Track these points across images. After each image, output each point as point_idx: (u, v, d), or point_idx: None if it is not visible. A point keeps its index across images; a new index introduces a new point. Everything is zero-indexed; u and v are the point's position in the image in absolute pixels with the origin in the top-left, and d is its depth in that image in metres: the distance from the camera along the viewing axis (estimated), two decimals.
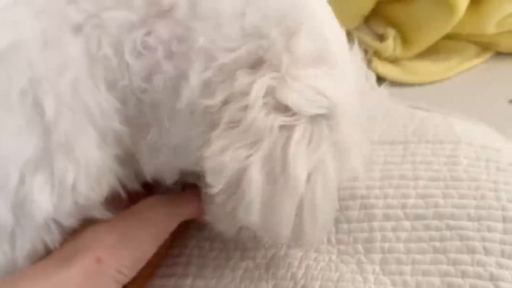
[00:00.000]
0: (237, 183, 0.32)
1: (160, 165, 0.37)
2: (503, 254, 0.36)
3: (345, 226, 0.41)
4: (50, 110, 0.32)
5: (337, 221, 0.42)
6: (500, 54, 0.72)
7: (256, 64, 0.33)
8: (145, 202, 0.38)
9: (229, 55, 0.32)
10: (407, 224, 0.40)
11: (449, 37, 0.71)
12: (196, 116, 0.34)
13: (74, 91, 0.32)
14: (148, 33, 0.33)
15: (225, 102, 0.33)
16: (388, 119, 0.52)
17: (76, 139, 0.33)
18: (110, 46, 0.33)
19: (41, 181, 0.33)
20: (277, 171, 0.31)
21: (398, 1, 0.71)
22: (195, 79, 0.33)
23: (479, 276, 0.35)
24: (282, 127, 0.31)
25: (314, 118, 0.32)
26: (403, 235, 0.39)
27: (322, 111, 0.32)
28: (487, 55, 0.71)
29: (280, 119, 0.31)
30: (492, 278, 0.35)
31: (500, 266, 0.35)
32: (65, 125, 0.32)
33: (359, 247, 0.40)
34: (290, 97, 0.32)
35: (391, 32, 0.71)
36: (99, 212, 0.37)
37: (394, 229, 0.40)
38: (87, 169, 0.34)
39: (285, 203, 0.32)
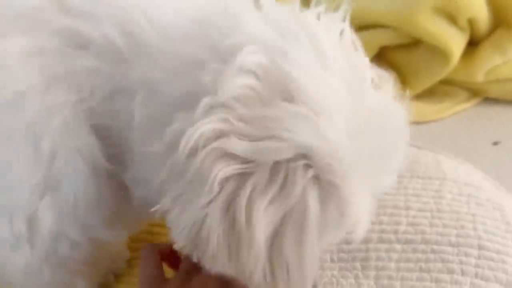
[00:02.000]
0: (197, 234, 0.29)
1: (144, 198, 0.37)
2: (476, 275, 0.43)
3: (345, 246, 0.49)
4: (46, 148, 0.36)
5: (339, 243, 0.49)
6: (487, 100, 0.78)
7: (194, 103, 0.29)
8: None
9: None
10: (398, 247, 0.46)
11: (443, 82, 0.79)
12: (153, 161, 0.33)
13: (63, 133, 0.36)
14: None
15: (170, 147, 0.30)
16: None
17: (72, 173, 0.37)
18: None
19: (47, 201, 0.37)
20: (237, 220, 0.28)
21: (399, 48, 0.79)
22: (138, 117, 0.33)
23: None
24: (238, 174, 0.28)
25: (279, 164, 0.29)
26: (395, 256, 0.46)
27: (288, 155, 0.28)
28: (476, 100, 0.78)
29: (231, 168, 0.28)
30: None
31: (473, 285, 0.42)
32: (60, 161, 0.36)
33: (357, 264, 0.46)
34: (240, 146, 0.28)
35: (391, 75, 0.77)
36: (102, 233, 0.41)
37: (387, 251, 0.46)
38: (86, 196, 0.37)
39: (249, 256, 0.29)
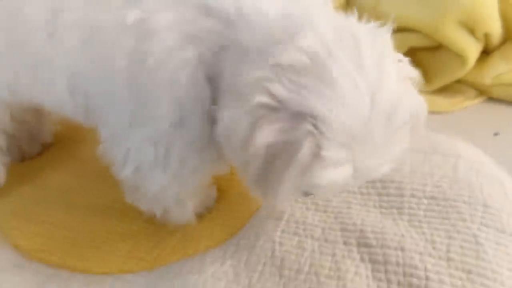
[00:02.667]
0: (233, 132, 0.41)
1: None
2: (481, 223, 0.57)
3: (385, 198, 0.63)
4: (181, 94, 0.46)
5: (380, 195, 0.64)
6: (491, 98, 0.90)
7: None
8: None
9: None
10: (425, 201, 0.61)
11: (457, 81, 0.90)
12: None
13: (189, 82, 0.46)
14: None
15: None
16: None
17: (194, 116, 0.47)
18: None
19: (179, 135, 0.48)
20: (256, 128, 0.39)
21: (425, 49, 0.89)
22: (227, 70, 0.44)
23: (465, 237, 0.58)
24: (270, 105, 0.39)
25: (299, 114, 0.38)
26: (422, 207, 0.60)
27: (306, 111, 0.38)
28: (483, 98, 0.90)
29: (267, 99, 0.39)
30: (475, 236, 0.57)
31: (479, 230, 0.57)
32: (188, 105, 0.46)
33: (394, 211, 0.61)
34: (280, 91, 0.38)
35: (418, 72, 0.88)
36: (208, 166, 0.53)
37: (416, 203, 0.61)
38: (201, 134, 0.48)
39: (252, 152, 0.40)
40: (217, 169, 0.57)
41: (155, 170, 0.52)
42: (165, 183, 0.54)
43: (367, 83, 0.39)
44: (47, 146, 0.77)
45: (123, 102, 0.50)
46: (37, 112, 0.72)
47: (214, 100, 0.47)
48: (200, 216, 0.63)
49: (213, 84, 0.46)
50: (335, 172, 0.40)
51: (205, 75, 0.46)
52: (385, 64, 0.42)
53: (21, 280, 0.55)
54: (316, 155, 0.39)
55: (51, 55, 0.51)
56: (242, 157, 0.42)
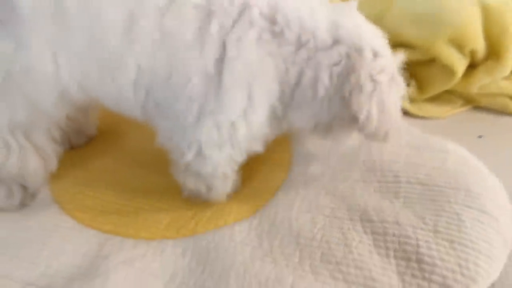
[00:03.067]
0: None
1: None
2: (464, 204, 0.68)
3: (383, 184, 0.75)
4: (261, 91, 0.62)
5: (380, 182, 0.76)
6: (477, 106, 0.99)
7: None
8: None
9: None
10: (418, 187, 0.72)
11: (447, 91, 0.98)
12: None
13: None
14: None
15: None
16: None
17: (261, 107, 0.63)
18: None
19: (244, 118, 0.63)
20: None
21: (420, 63, 0.98)
22: None
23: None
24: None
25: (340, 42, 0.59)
26: (416, 191, 0.71)
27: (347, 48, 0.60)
28: (469, 106, 0.99)
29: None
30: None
31: (462, 210, 0.69)
32: (259, 94, 0.62)
33: (391, 195, 0.72)
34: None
35: (412, 83, 0.99)
36: (260, 145, 0.68)
37: (411, 188, 0.72)
38: (265, 120, 0.64)
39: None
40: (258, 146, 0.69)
41: (213, 151, 0.64)
42: (221, 162, 0.65)
43: None
44: (92, 138, 0.88)
45: (194, 97, 0.60)
46: (85, 109, 0.84)
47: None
48: (228, 196, 0.75)
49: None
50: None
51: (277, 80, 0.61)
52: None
53: (83, 241, 0.66)
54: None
55: (122, 54, 0.59)
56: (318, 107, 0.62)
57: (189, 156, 0.64)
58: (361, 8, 1.01)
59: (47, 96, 0.63)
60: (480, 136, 0.92)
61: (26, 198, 0.72)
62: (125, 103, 0.65)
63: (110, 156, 0.84)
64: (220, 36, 0.59)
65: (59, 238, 0.67)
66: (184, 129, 0.63)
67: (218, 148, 0.64)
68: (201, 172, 0.67)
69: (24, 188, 0.71)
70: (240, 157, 0.67)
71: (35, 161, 0.68)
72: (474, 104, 1.00)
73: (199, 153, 0.64)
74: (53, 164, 0.72)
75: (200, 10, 0.59)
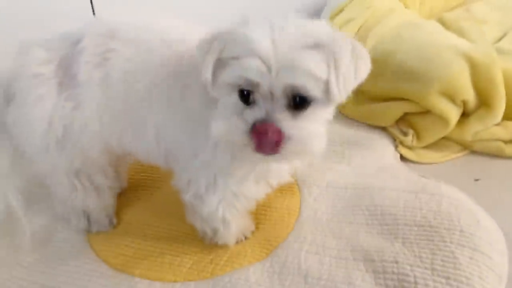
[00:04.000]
0: None
1: None
2: (458, 244, 0.75)
3: (385, 227, 0.83)
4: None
5: (381, 224, 0.83)
6: (472, 151, 1.04)
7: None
8: None
9: None
10: (415, 228, 0.79)
11: (443, 138, 1.04)
12: None
13: None
14: None
15: None
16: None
17: None
18: None
19: None
20: None
21: (417, 114, 1.06)
22: None
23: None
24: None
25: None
26: (413, 232, 0.78)
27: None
28: (465, 152, 1.04)
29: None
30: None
31: (457, 247, 0.76)
32: None
33: (392, 236, 0.80)
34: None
35: (410, 132, 1.06)
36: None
37: (409, 230, 0.79)
38: None
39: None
40: (256, 193, 0.76)
41: (207, 194, 0.72)
42: (215, 205, 0.73)
43: None
44: (122, 189, 0.98)
45: (186, 143, 0.72)
46: (124, 160, 0.94)
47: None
48: (240, 241, 0.83)
49: None
50: None
51: None
52: None
53: (116, 285, 0.75)
54: None
55: (146, 115, 0.72)
56: None
57: (188, 195, 0.73)
58: None
59: (95, 148, 0.76)
60: (476, 180, 0.96)
61: (90, 225, 0.87)
62: (152, 155, 0.78)
63: (140, 206, 0.94)
64: None
65: (94, 282, 0.76)
66: (186, 171, 0.73)
67: (211, 191, 0.72)
68: (202, 214, 0.75)
69: (88, 217, 0.86)
70: (238, 203, 0.75)
71: (94, 197, 0.83)
72: (470, 149, 1.05)
73: (197, 195, 0.73)
74: (110, 199, 0.88)
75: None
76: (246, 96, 0.59)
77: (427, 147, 1.07)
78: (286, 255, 0.80)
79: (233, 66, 0.58)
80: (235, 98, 0.60)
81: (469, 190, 0.89)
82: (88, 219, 0.87)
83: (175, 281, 0.76)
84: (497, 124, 1.03)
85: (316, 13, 1.50)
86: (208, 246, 0.82)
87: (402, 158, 1.05)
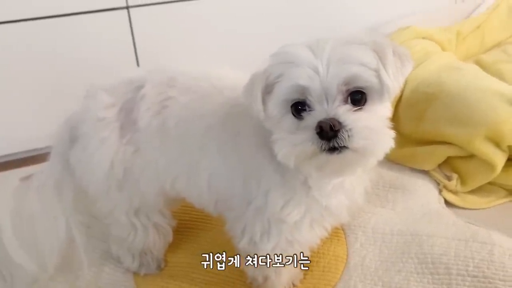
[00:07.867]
0: None
1: None
2: None
3: (436, 276, 0.82)
4: None
5: (432, 274, 0.82)
6: None
7: None
8: None
9: None
10: (468, 278, 0.79)
11: (489, 183, 1.03)
12: None
13: None
14: None
15: None
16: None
17: None
18: None
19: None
20: None
21: (461, 158, 1.06)
22: None
23: None
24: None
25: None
26: (467, 282, 0.79)
27: None
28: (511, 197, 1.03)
29: None
30: None
31: None
32: None
33: (445, 287, 0.80)
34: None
35: (454, 176, 1.05)
36: None
37: (462, 280, 0.79)
38: None
39: None
40: (310, 239, 0.75)
41: (262, 241, 0.72)
42: (269, 251, 0.73)
43: None
44: None
45: (238, 190, 0.73)
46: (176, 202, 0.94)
47: None
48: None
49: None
50: None
51: None
52: None
53: None
54: None
55: (199, 161, 0.74)
56: None
57: (243, 242, 0.74)
58: (404, 108, 1.14)
59: (151, 189, 0.79)
60: None
61: (141, 267, 0.89)
62: (203, 201, 0.79)
63: (187, 249, 0.95)
64: None
65: None
66: (240, 218, 0.74)
67: (267, 238, 0.72)
68: (255, 261, 0.75)
69: (141, 258, 0.89)
70: (292, 251, 0.74)
71: (155, 235, 0.85)
72: None
73: (251, 241, 0.73)
74: (170, 236, 0.90)
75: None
76: (300, 110, 0.60)
77: (471, 191, 1.06)
78: None
79: (280, 82, 0.60)
80: (290, 118, 0.61)
81: None
82: (140, 260, 0.88)
83: None
84: None
85: None
86: None
87: (446, 202, 1.04)
